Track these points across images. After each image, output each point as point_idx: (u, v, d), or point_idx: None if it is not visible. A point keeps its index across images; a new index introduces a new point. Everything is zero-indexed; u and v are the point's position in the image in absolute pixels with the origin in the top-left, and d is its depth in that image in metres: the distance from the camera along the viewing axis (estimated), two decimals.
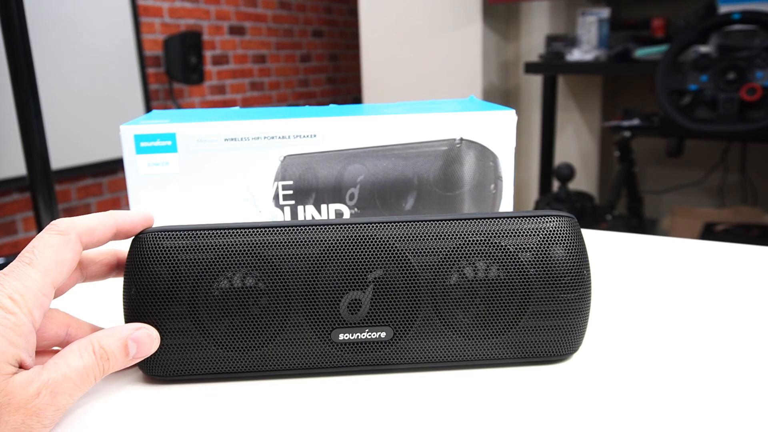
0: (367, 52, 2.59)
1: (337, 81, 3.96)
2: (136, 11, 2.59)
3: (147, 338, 0.38)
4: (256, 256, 0.39)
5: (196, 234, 0.39)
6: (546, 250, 0.40)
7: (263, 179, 0.48)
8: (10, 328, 0.33)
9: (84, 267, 0.41)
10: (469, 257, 0.39)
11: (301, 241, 0.39)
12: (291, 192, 0.49)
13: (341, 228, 0.39)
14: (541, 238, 0.40)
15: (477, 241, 0.40)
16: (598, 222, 2.03)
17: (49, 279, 0.35)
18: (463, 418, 0.36)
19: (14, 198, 2.30)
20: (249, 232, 0.39)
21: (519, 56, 2.57)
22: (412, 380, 0.40)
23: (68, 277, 0.37)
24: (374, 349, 0.40)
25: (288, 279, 0.39)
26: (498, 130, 0.49)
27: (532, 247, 0.40)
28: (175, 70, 2.74)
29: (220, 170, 0.48)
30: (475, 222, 0.40)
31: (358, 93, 3.98)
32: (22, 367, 0.33)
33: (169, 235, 0.39)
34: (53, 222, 0.37)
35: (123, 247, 0.42)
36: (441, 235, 0.39)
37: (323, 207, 0.49)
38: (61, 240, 0.36)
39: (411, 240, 0.39)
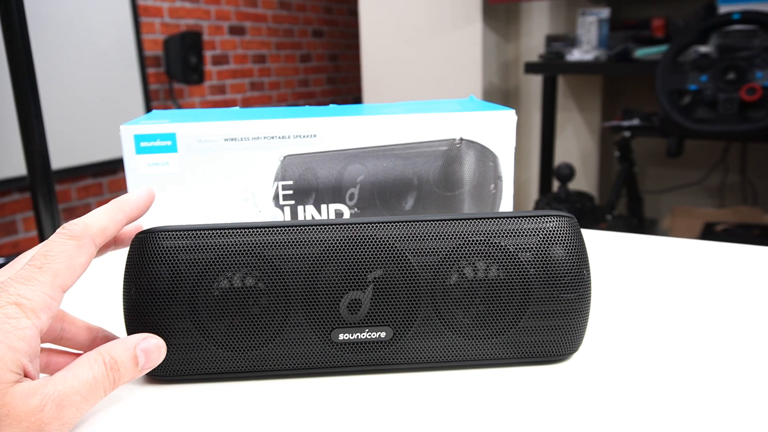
0: (367, 52, 2.59)
1: (337, 81, 3.96)
2: (136, 11, 2.59)
3: (155, 348, 0.37)
4: (256, 256, 0.39)
5: (197, 234, 0.39)
6: (546, 250, 0.40)
7: (263, 179, 0.48)
8: (12, 332, 0.32)
9: None
10: (469, 257, 0.39)
11: (301, 241, 0.39)
12: (291, 192, 0.49)
13: (341, 228, 0.39)
14: (541, 238, 0.40)
15: (477, 241, 0.40)
16: (598, 222, 2.03)
17: (59, 283, 0.34)
18: (463, 418, 0.36)
19: (14, 198, 2.30)
20: (249, 232, 0.39)
21: (519, 56, 2.57)
22: (412, 380, 0.40)
23: (77, 280, 0.36)
24: (374, 349, 0.40)
25: (288, 279, 0.39)
26: (498, 130, 0.49)
27: (532, 247, 0.40)
28: (175, 70, 2.74)
29: (220, 170, 0.48)
30: (475, 222, 0.40)
31: (358, 93, 3.98)
32: (25, 374, 0.32)
33: (169, 235, 0.39)
34: (66, 226, 0.36)
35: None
36: (441, 235, 0.39)
37: (323, 207, 0.49)
38: (74, 245, 0.35)
39: (411, 240, 0.39)
